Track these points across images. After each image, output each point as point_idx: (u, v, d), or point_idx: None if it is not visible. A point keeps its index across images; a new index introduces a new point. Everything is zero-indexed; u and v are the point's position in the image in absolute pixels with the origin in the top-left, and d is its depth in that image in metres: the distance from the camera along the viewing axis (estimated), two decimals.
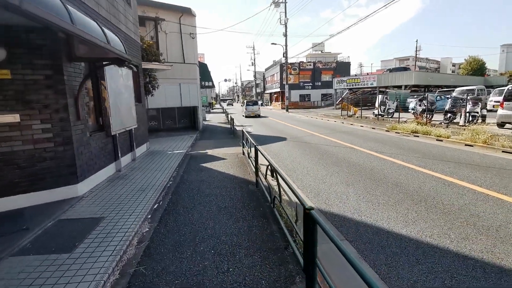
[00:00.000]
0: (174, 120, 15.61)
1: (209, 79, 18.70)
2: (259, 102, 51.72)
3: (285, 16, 33.81)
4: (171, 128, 15.46)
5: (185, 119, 15.95)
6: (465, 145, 9.55)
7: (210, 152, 9.71)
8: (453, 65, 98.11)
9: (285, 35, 34.35)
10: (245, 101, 30.42)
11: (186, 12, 16.15)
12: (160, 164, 7.54)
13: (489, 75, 65.68)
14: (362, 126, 16.28)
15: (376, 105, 19.19)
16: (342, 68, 46.13)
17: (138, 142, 8.46)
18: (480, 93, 20.53)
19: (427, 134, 11.54)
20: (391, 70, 34.33)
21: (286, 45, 34.62)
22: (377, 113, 19.09)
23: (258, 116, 27.93)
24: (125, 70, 7.06)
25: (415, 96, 25.61)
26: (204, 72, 18.22)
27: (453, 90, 27.29)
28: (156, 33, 14.91)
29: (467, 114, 12.08)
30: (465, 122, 12.08)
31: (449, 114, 13.32)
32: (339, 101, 39.70)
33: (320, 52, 53.89)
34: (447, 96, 22.25)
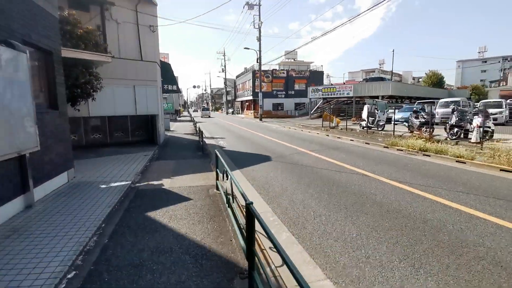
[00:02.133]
0: (126, 132, 12.25)
1: (174, 82, 15.62)
2: (230, 110, 52.28)
3: (259, 19, 31.70)
4: (122, 142, 12.07)
5: (141, 131, 12.65)
6: (500, 170, 7.51)
7: (168, 183, 6.67)
8: (413, 78, 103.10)
9: (259, 39, 32.18)
10: (202, 106, 42.37)
11: None
12: (75, 215, 4.41)
13: (446, 88, 69.12)
14: (352, 141, 14.11)
15: (363, 116, 17.27)
16: (316, 77, 45.00)
17: (45, 174, 5.24)
18: (466, 105, 19.53)
19: (440, 153, 9.48)
20: (367, 80, 33.45)
21: (260, 50, 32.41)
22: (364, 125, 17.15)
23: (209, 116, 44.59)
24: (5, 52, 3.93)
25: (393, 107, 24.47)
26: (167, 74, 15.12)
27: (434, 102, 26.71)
28: (103, 20, 11.60)
29: (480, 129, 10.25)
30: (479, 138, 10.23)
31: (456, 129, 11.50)
32: (314, 110, 38.26)
33: (292, 60, 52.59)
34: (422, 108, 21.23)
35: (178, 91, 16.18)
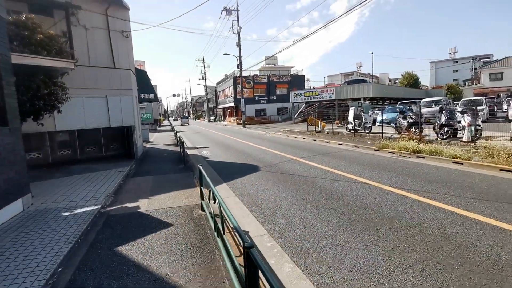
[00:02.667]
0: (99, 147, 11.17)
1: (151, 90, 14.66)
2: (212, 118, 52.41)
3: (238, 24, 31.24)
4: (94, 158, 10.98)
5: (116, 144, 11.60)
6: (500, 170, 7.17)
7: (145, 205, 5.80)
8: (390, 80, 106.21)
9: (239, 44, 31.66)
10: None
11: (115, 3, 12.13)
12: (24, 258, 3.50)
13: (422, 88, 71.53)
14: (341, 145, 13.68)
15: (349, 118, 16.96)
16: (297, 81, 45.01)
17: None
18: (448, 103, 19.72)
19: (435, 155, 9.12)
20: (349, 83, 33.62)
21: (240, 56, 31.88)
22: (351, 128, 16.82)
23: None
24: None
25: (377, 109, 24.50)
26: (144, 82, 14.16)
27: (415, 102, 27.04)
28: (68, 25, 10.56)
29: (472, 128, 10.03)
30: (471, 137, 9.99)
31: (445, 128, 11.27)
32: (297, 114, 38.06)
33: (273, 65, 52.52)
34: (407, 108, 21.33)
35: (156, 99, 15.23)
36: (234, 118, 43.58)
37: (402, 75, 73.01)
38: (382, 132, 13.88)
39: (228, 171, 8.99)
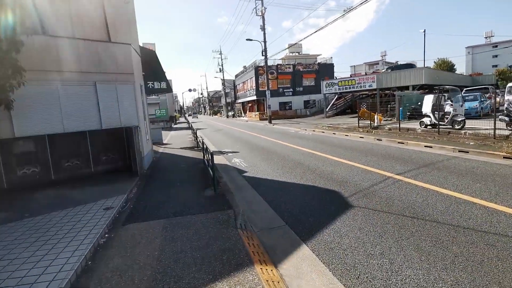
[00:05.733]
0: (85, 159, 7.50)
1: (162, 77, 10.92)
2: (230, 113, 54.64)
3: (262, 4, 27.04)
4: (77, 176, 7.32)
5: (110, 154, 7.91)
6: None
7: None
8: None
9: (263, 28, 27.53)
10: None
11: None
12: None
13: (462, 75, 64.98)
14: (430, 147, 9.49)
15: (426, 110, 12.62)
16: (325, 70, 40.33)
17: None
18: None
19: None
20: (392, 69, 28.80)
21: (264, 41, 27.74)
22: (428, 123, 12.48)
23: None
24: None
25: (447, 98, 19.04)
26: (152, 66, 10.44)
27: (487, 88, 22.17)
28: None
29: None
30: None
31: None
32: (329, 107, 33.59)
33: (297, 54, 47.93)
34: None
35: (170, 89, 11.49)
36: (256, 113, 39.63)
37: (435, 62, 66.74)
38: (495, 128, 9.47)
39: (293, 206, 5.04)
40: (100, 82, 7.63)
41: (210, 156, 6.10)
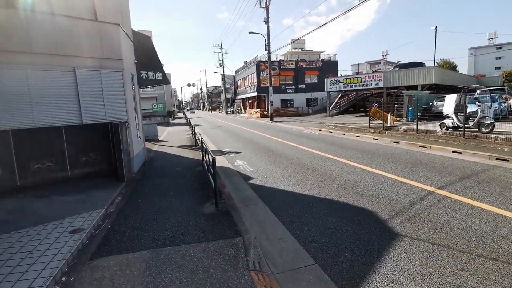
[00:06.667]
0: (61, 160, 6.25)
1: (157, 67, 9.62)
2: (230, 109, 53.41)
3: None
4: (49, 181, 6.07)
5: (91, 155, 6.67)
6: None
7: None
8: None
9: (267, 21, 26.21)
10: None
11: None
12: None
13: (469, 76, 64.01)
14: (460, 153, 8.34)
15: (447, 110, 11.45)
16: (329, 67, 39.06)
17: None
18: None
19: None
20: (401, 67, 27.59)
21: (268, 35, 26.44)
22: (450, 125, 11.33)
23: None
24: None
25: (473, 96, 17.24)
26: (146, 54, 9.14)
27: (503, 89, 21.07)
28: None
29: None
30: None
31: None
32: (333, 106, 32.38)
33: (300, 50, 46.57)
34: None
35: (166, 81, 10.23)
36: (257, 109, 38.34)
37: (437, 63, 65.76)
38: None
39: (319, 233, 3.85)
40: (81, 68, 6.36)
41: (211, 160, 4.88)
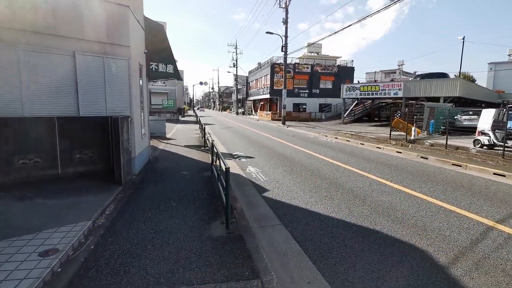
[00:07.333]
0: (50, 157, 5.48)
1: (169, 59, 8.86)
2: (240, 110, 52.60)
3: None
4: (36, 179, 5.30)
5: (87, 152, 5.89)
6: None
7: None
8: None
9: (286, 22, 25.37)
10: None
11: None
12: None
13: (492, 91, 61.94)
14: (504, 176, 7.30)
15: (483, 126, 10.37)
16: (345, 73, 37.96)
17: None
18: None
19: None
20: (423, 77, 26.32)
21: (286, 36, 25.57)
22: (486, 143, 10.24)
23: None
24: None
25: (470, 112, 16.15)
26: (158, 44, 8.40)
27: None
28: None
29: None
30: None
31: None
32: (347, 113, 31.26)
33: (316, 54, 45.54)
34: None
35: (178, 76, 9.46)
36: (268, 112, 37.46)
37: (455, 75, 63.96)
38: None
39: (359, 278, 2.92)
40: (81, 52, 5.59)
41: (223, 168, 4.01)
